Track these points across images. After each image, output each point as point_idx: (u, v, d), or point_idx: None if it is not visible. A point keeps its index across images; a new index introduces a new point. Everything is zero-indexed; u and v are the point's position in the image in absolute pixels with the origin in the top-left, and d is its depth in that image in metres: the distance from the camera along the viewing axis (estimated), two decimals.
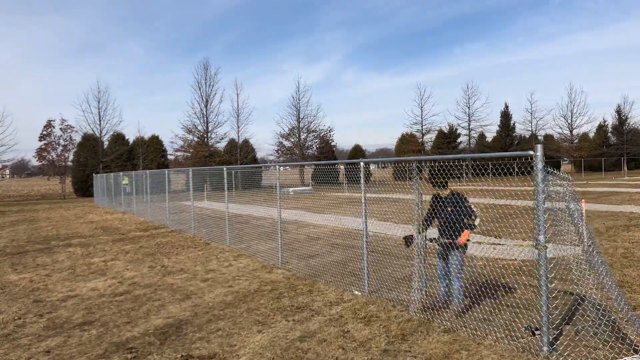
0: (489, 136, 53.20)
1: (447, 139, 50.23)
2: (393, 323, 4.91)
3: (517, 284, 6.23)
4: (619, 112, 55.50)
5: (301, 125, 45.13)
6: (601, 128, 55.22)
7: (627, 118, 55.25)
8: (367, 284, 6.11)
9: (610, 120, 57.68)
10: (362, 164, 6.31)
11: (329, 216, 15.21)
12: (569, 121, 50.41)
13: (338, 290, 6.27)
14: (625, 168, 49.12)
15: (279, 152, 46.08)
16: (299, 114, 45.06)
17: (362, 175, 6.26)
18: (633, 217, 12.82)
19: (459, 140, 51.55)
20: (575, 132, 50.86)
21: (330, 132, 47.28)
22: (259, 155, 45.96)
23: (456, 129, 51.35)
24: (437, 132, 50.32)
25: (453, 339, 4.41)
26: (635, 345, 4.13)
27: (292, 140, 45.81)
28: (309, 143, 46.34)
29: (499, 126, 54.04)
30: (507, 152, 4.42)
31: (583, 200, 8.12)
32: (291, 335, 4.69)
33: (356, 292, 6.11)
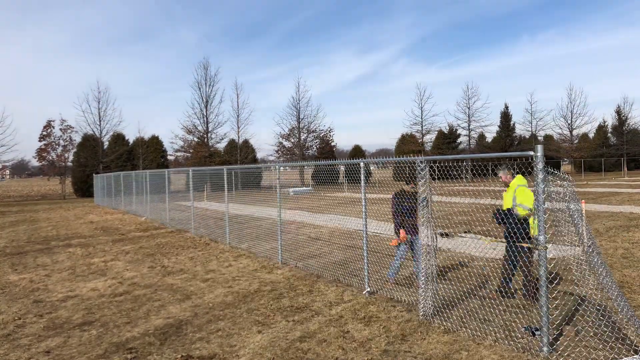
0: (489, 136, 53.19)
1: (447, 139, 50.18)
2: (393, 323, 4.91)
3: (517, 283, 6.23)
4: (618, 112, 55.49)
5: (301, 125, 45.15)
6: (601, 128, 55.18)
7: (627, 118, 55.23)
8: (368, 284, 6.12)
9: (610, 120, 57.77)
10: (362, 164, 6.31)
11: (329, 216, 15.21)
12: (569, 121, 50.36)
13: (338, 291, 6.27)
14: (625, 168, 49.09)
15: (279, 152, 46.09)
16: (299, 114, 45.08)
17: (362, 175, 6.26)
18: (633, 217, 12.82)
19: (459, 140, 51.52)
20: (575, 132, 50.80)
21: (330, 132, 47.36)
22: (259, 155, 46.00)
23: (456, 129, 51.33)
24: (437, 132, 50.31)
25: (453, 339, 4.41)
26: (635, 345, 4.14)
27: (292, 140, 45.81)
28: (309, 143, 46.35)
29: (499, 126, 54.01)
30: (507, 152, 4.43)
31: (583, 200, 8.12)
32: (291, 335, 4.69)
33: (364, 293, 6.11)
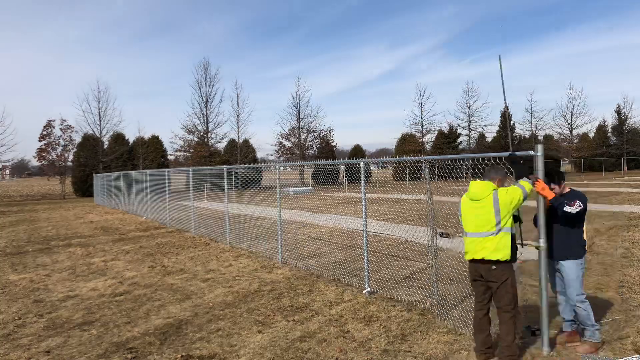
0: (489, 136, 53.17)
1: (447, 139, 50.18)
2: (393, 323, 4.91)
3: (517, 283, 6.22)
4: (618, 112, 55.43)
5: (301, 125, 45.14)
6: (601, 128, 55.16)
7: (627, 118, 55.14)
8: (368, 284, 6.12)
9: (610, 120, 57.61)
10: (362, 164, 6.31)
11: (329, 216, 15.21)
12: (569, 121, 50.39)
13: (338, 290, 6.27)
14: (625, 168, 49.06)
15: (279, 152, 46.09)
16: (299, 114, 45.08)
17: (362, 175, 6.27)
18: (633, 217, 12.82)
19: (459, 140, 51.52)
20: (575, 132, 50.84)
21: (330, 132, 47.35)
22: (259, 155, 46.01)
23: (456, 129, 51.32)
24: (437, 132, 50.30)
25: (453, 339, 4.41)
26: (635, 345, 4.13)
27: (292, 140, 45.81)
28: (309, 143, 46.35)
29: (499, 126, 53.98)
30: (507, 152, 4.41)
31: None
32: (291, 335, 4.69)
33: (364, 293, 6.11)
